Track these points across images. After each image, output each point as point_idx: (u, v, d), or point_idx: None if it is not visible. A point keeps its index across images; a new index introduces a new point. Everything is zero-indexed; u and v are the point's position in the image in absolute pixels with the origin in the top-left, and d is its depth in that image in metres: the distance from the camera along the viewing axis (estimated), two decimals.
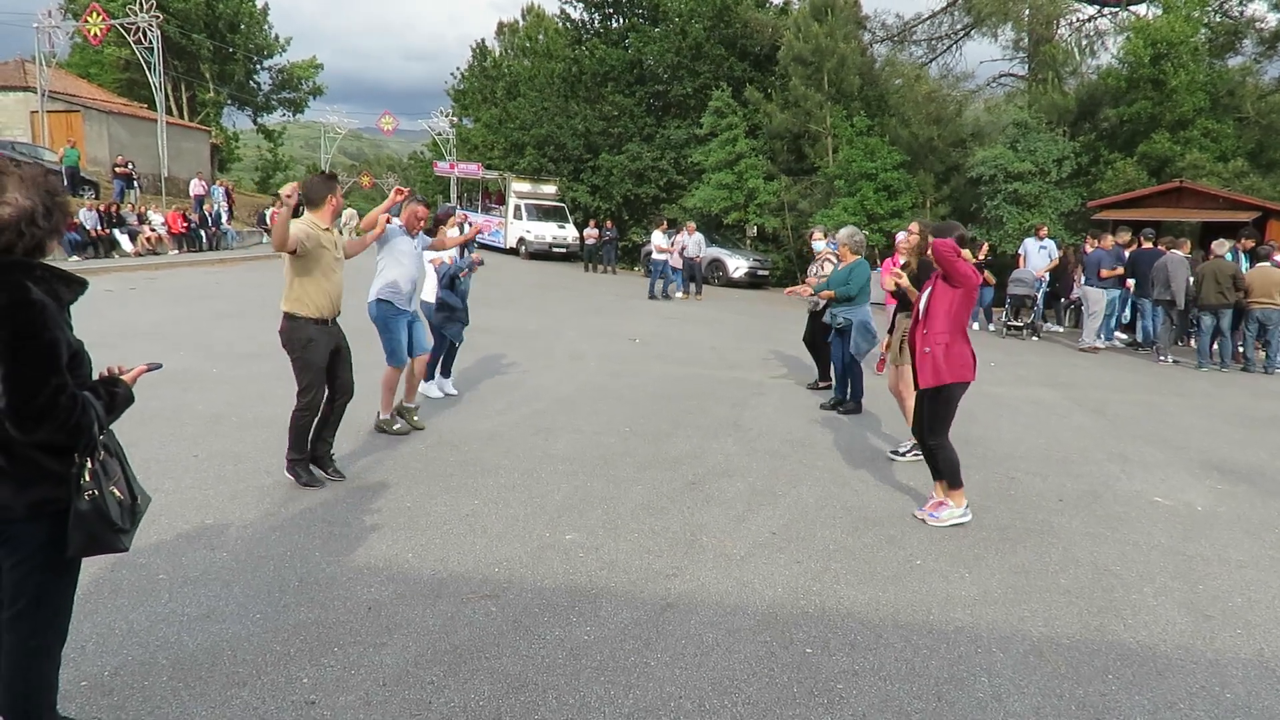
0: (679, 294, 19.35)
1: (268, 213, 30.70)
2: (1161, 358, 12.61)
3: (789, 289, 9.08)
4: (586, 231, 26.19)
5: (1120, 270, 13.30)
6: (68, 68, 39.56)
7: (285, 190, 4.68)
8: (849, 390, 8.26)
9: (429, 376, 7.77)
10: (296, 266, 5.06)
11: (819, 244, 10.09)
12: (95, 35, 28.52)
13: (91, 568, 3.65)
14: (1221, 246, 11.99)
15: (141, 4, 27.67)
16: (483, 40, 48.57)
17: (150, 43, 27.37)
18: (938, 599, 4.15)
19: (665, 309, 16.94)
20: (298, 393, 5.19)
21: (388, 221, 6.42)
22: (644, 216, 29.02)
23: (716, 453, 6.59)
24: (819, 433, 7.44)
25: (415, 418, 6.85)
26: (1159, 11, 20.59)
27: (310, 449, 5.33)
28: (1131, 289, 14.02)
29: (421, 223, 6.78)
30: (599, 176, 28.77)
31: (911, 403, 6.59)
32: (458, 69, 48.98)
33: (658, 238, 19.20)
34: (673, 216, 27.26)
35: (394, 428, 6.56)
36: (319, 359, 5.15)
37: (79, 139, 29.15)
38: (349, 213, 26.99)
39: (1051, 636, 3.83)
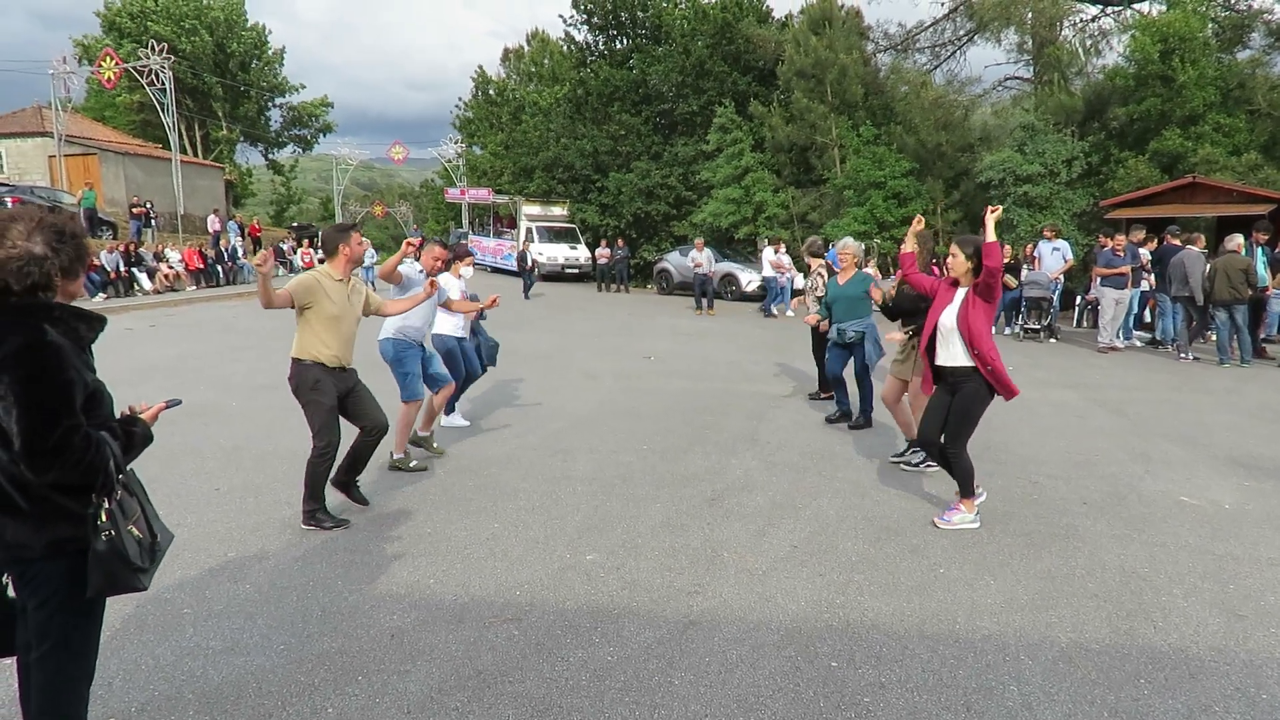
0: (789, 311, 19.77)
1: (284, 246, 31.08)
2: (1182, 355, 12.47)
3: (807, 318, 9.09)
4: (598, 251, 26.29)
5: (1125, 270, 13.19)
6: (83, 112, 40.35)
7: (257, 259, 4.66)
8: (860, 404, 8.13)
9: (448, 410, 7.81)
10: (301, 316, 5.04)
11: (769, 251, 10.14)
12: (109, 79, 29.07)
13: (116, 604, 3.68)
14: (1232, 241, 11.88)
15: (153, 47, 28.21)
16: (481, 68, 49.13)
17: (163, 84, 27.85)
18: (963, 608, 4.11)
19: (679, 325, 16.94)
20: (313, 438, 5.06)
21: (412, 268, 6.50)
22: (655, 234, 29.10)
23: (735, 468, 6.57)
24: (837, 444, 7.40)
25: (435, 445, 6.91)
26: (1163, 9, 20.53)
27: (340, 478, 5.36)
28: (1152, 284, 13.93)
29: (439, 263, 6.75)
30: (608, 196, 28.92)
31: (904, 414, 6.60)
32: (461, 100, 49.55)
33: (770, 255, 19.33)
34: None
35: (410, 465, 6.43)
36: (328, 399, 5.03)
37: (96, 181, 29.69)
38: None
39: (1080, 642, 3.78)
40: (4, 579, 2.44)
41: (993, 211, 5.13)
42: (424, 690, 3.30)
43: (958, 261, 5.18)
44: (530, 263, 23.57)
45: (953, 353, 5.15)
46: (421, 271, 6.65)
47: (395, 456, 6.45)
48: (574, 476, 6.26)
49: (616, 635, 3.79)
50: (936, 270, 6.93)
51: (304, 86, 53.48)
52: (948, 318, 5.17)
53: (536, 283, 23.71)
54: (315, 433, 5.06)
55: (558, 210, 29.85)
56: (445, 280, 7.09)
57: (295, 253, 30.82)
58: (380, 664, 3.50)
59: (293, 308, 5.02)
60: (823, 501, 5.75)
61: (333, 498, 5.31)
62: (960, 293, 5.18)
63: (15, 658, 2.47)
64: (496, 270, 29.97)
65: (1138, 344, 14.08)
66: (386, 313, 5.68)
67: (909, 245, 5.76)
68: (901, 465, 6.66)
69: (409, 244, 6.21)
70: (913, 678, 3.46)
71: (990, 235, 5.00)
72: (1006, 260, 14.85)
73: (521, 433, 7.59)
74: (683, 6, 30.75)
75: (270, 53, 50.43)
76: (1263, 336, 12.85)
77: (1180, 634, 3.87)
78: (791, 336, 14.63)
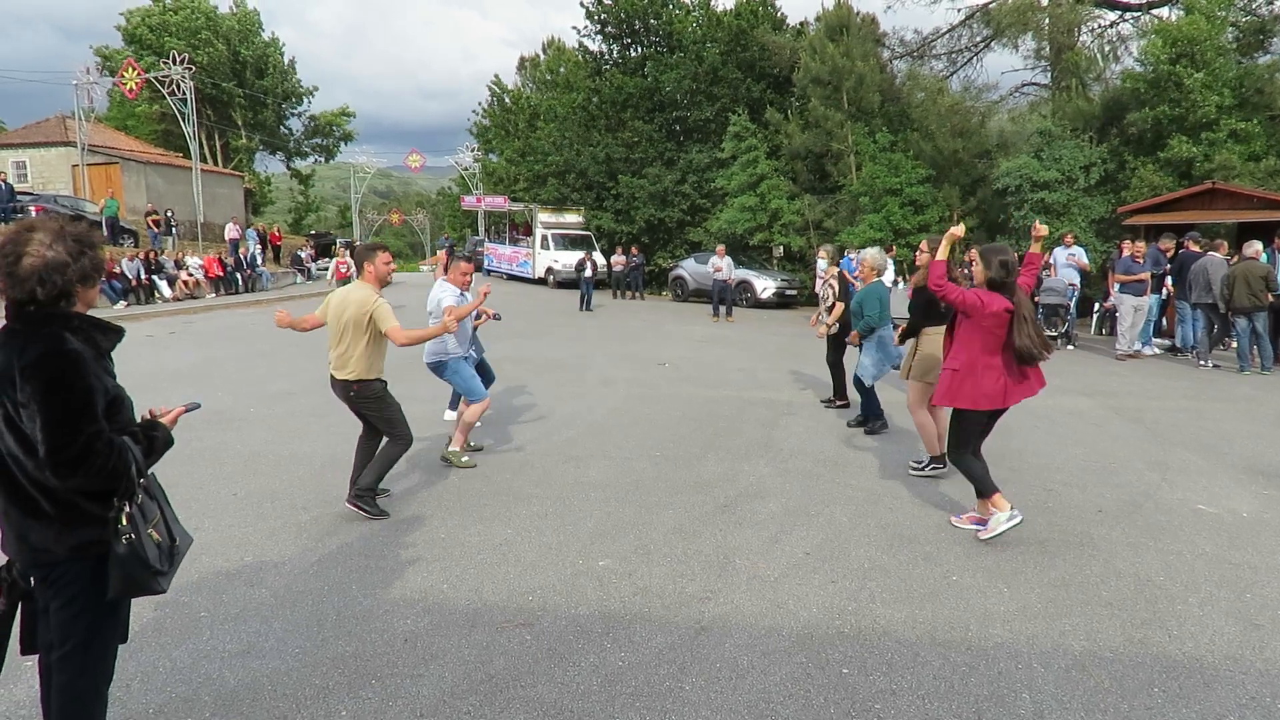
0: None
1: (303, 255, 31.35)
2: (1202, 362, 12.36)
3: (819, 329, 9.20)
4: (613, 259, 26.35)
5: (1144, 276, 13.09)
6: (106, 122, 40.92)
7: (279, 320, 5.26)
8: (870, 408, 8.17)
9: (453, 405, 8.05)
10: (371, 336, 5.28)
11: (822, 262, 10.27)
12: (131, 90, 29.47)
13: (135, 607, 3.72)
14: (1251, 247, 11.77)
15: (174, 58, 28.59)
16: (497, 76, 49.50)
17: (183, 94, 28.21)
18: (976, 615, 4.10)
19: (694, 332, 16.95)
20: (395, 438, 5.46)
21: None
22: (669, 241, 29.15)
23: (748, 474, 6.58)
24: (850, 451, 7.39)
25: (463, 459, 6.88)
26: (1182, 13, 20.36)
27: (353, 480, 5.51)
28: (1171, 291, 13.81)
29: (466, 278, 6.90)
30: (621, 201, 28.99)
31: (925, 419, 6.57)
32: (479, 105, 49.90)
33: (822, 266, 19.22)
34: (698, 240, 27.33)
35: (461, 460, 6.71)
36: (395, 400, 5.48)
37: (118, 190, 30.12)
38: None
39: (1094, 650, 3.76)
40: (31, 579, 2.49)
41: (955, 228, 5.28)
42: (436, 694, 3.33)
43: (977, 269, 5.17)
44: (591, 271, 22.22)
45: None
46: (462, 294, 6.82)
47: (450, 449, 6.81)
48: (587, 483, 6.28)
49: (628, 641, 3.80)
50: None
51: (317, 89, 53.97)
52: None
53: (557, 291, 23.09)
54: (400, 431, 5.45)
55: (573, 218, 29.95)
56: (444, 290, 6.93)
57: (314, 261, 31.09)
58: (393, 668, 3.53)
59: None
60: (835, 508, 5.75)
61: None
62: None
63: (38, 658, 2.52)
64: (513, 278, 30.08)
65: (1156, 351, 13.97)
66: (395, 341, 5.34)
67: (941, 253, 5.26)
68: (911, 470, 6.67)
69: (484, 294, 6.48)
70: (924, 685, 3.45)
71: (939, 254, 5.15)
72: None
73: (535, 439, 7.62)
74: (695, 14, 30.82)
75: (286, 62, 51.03)
76: None
77: (1195, 642, 3.84)
78: (806, 344, 14.61)
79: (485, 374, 7.81)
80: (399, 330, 5.23)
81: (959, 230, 5.36)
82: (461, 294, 6.81)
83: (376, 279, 5.41)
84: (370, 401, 5.38)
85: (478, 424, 7.93)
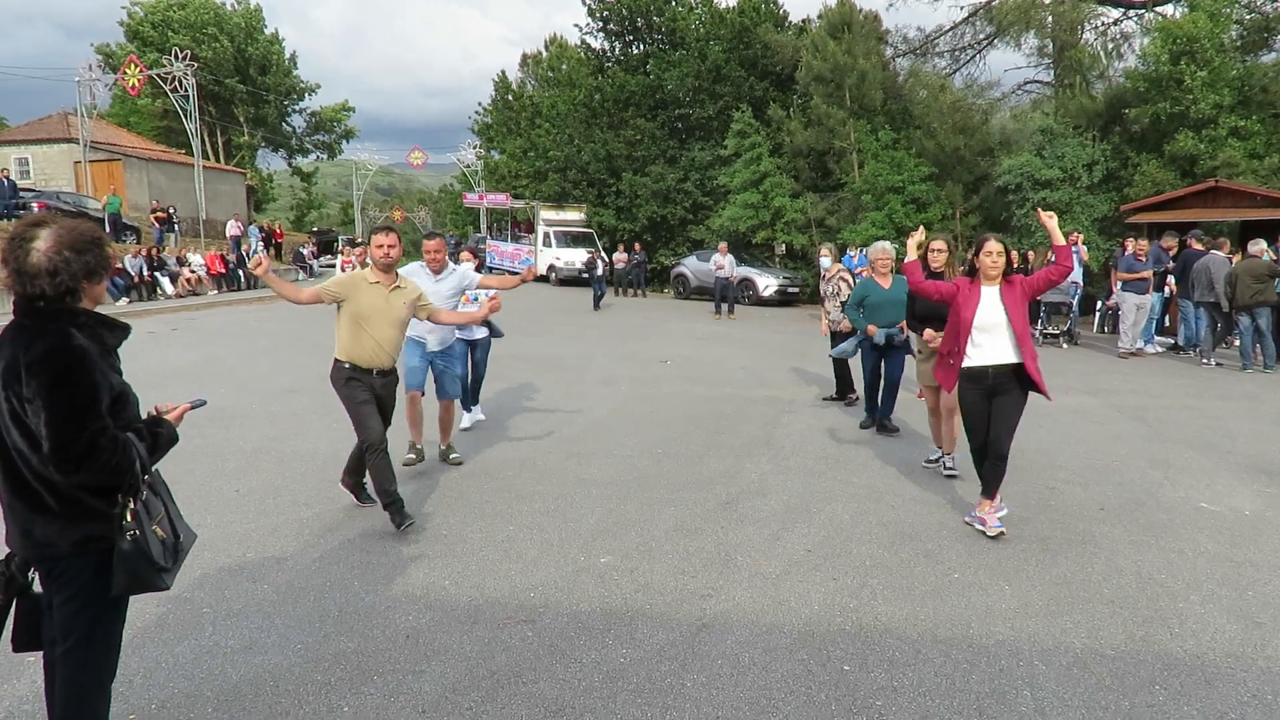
0: None
1: (305, 251, 31.37)
2: (1204, 360, 12.35)
3: (842, 325, 9.08)
4: (615, 256, 26.33)
5: (1146, 275, 13.07)
6: (108, 118, 40.88)
7: (252, 265, 4.99)
8: (882, 407, 8.10)
9: (466, 407, 7.92)
10: (338, 316, 5.17)
11: (826, 260, 10.24)
12: (134, 86, 29.48)
13: (137, 603, 3.73)
14: (1256, 245, 11.75)
15: (176, 54, 28.61)
16: (503, 72, 49.43)
17: (186, 91, 28.23)
18: (977, 612, 4.10)
19: (696, 330, 16.95)
20: (359, 437, 5.17)
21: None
22: (672, 239, 29.14)
23: (750, 472, 6.58)
24: (852, 449, 7.39)
25: (453, 455, 6.78)
26: (1186, 11, 20.29)
27: (348, 477, 5.49)
28: (1174, 289, 13.79)
29: (432, 255, 6.49)
30: (624, 199, 28.98)
31: (945, 414, 6.55)
32: (481, 104, 49.83)
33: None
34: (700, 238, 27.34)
35: (450, 457, 6.68)
36: (357, 396, 5.09)
37: (120, 186, 30.13)
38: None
39: (1095, 648, 3.76)
40: (31, 574, 2.49)
41: (1050, 215, 5.14)
42: (438, 690, 3.34)
43: (1005, 260, 5.11)
44: (602, 270, 21.89)
45: (995, 352, 5.04)
46: (423, 267, 6.56)
47: (440, 448, 6.74)
48: (589, 480, 6.29)
49: (630, 637, 3.81)
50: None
51: (319, 87, 53.95)
52: (990, 316, 5.04)
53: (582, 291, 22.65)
54: (360, 431, 5.14)
55: (576, 215, 29.93)
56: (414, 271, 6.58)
57: (316, 258, 31.08)
58: (395, 664, 3.54)
59: (323, 304, 5.19)
60: (837, 506, 5.75)
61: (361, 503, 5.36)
62: (992, 290, 5.10)
63: (42, 654, 2.53)
64: (513, 275, 30.04)
65: (1159, 349, 13.95)
66: (438, 321, 5.66)
67: (912, 255, 5.66)
68: (926, 463, 6.75)
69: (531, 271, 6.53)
70: (925, 682, 3.45)
71: (1059, 238, 5.08)
72: (1017, 265, 14.76)
73: (537, 436, 7.63)
74: (698, 11, 30.82)
75: (286, 59, 51.00)
76: None
77: (1197, 640, 3.84)
78: (807, 342, 14.62)
79: (478, 351, 7.86)
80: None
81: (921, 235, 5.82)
82: (425, 268, 6.57)
83: (374, 264, 5.25)
84: (336, 386, 5.20)
85: (467, 423, 7.89)
